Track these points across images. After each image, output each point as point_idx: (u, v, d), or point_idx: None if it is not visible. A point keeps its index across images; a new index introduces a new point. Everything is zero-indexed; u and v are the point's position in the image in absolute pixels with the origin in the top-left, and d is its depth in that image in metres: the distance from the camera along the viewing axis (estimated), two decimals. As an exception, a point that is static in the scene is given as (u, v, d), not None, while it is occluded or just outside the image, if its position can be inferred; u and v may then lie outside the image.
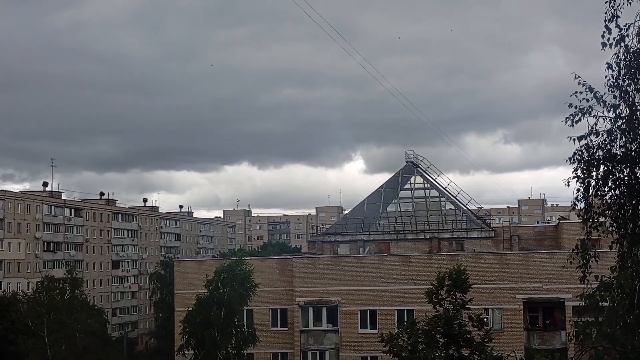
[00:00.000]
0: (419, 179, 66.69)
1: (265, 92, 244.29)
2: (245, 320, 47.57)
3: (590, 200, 11.40)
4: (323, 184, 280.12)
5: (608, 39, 10.86)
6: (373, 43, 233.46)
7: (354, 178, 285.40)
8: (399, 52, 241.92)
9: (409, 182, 66.87)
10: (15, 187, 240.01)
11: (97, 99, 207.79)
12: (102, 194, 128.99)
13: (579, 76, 11.32)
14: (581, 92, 11.24)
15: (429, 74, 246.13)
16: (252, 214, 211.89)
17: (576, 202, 11.53)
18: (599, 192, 11.27)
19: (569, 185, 11.32)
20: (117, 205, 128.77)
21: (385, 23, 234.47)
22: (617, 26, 10.83)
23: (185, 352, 42.40)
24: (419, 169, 67.10)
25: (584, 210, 11.55)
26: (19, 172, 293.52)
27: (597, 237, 11.78)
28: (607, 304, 11.20)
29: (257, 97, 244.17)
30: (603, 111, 11.19)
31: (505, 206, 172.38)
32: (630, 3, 10.83)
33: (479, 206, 70.69)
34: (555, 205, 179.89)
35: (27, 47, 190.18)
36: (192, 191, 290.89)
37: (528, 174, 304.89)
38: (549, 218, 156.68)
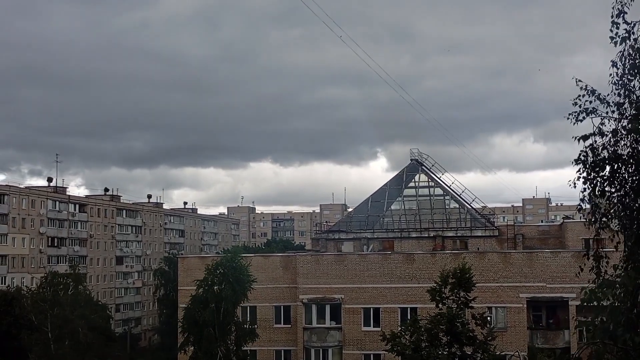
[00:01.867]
0: (423, 177, 66.61)
1: (308, 92, 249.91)
2: (248, 317, 47.58)
3: (596, 201, 11.36)
4: (344, 182, 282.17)
5: (616, 34, 10.83)
6: (426, 44, 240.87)
7: (376, 176, 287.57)
8: (449, 52, 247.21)
9: (413, 180, 66.80)
10: (40, 183, 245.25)
11: (145, 96, 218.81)
12: (106, 189, 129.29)
13: (580, 80, 11.32)
14: (583, 96, 11.25)
15: (473, 74, 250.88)
16: (257, 211, 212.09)
17: (582, 203, 11.50)
18: (604, 193, 11.24)
19: (575, 186, 11.31)
20: (122, 201, 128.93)
21: (442, 25, 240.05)
22: (625, 21, 10.79)
23: (186, 349, 42.39)
24: (423, 167, 67.01)
25: (590, 211, 11.52)
26: (47, 168, 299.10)
27: (601, 238, 11.76)
28: (609, 302, 11.18)
29: (298, 96, 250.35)
30: (607, 112, 11.17)
31: (509, 205, 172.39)
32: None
33: (483, 205, 70.63)
34: (559, 204, 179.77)
35: (93, 46, 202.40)
36: (216, 188, 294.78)
37: (551, 173, 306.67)
38: (553, 217, 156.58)
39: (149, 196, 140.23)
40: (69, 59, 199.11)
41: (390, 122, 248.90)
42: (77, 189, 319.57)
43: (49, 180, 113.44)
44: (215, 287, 42.17)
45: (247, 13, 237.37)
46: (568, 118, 11.31)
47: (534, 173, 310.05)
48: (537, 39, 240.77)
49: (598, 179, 11.16)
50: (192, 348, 42.35)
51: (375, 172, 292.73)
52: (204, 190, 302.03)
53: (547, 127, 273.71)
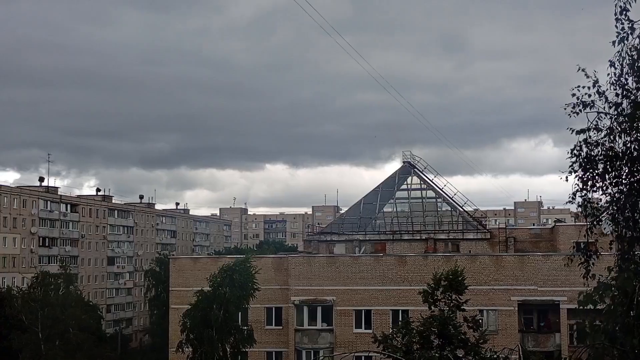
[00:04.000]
0: (415, 180, 66.66)
1: (344, 97, 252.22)
2: (240, 319, 47.51)
3: (589, 196, 11.35)
4: (358, 184, 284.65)
5: (622, 29, 10.82)
6: (471, 51, 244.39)
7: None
8: (492, 59, 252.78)
9: (405, 182, 66.84)
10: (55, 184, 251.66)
11: (184, 99, 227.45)
12: (98, 189, 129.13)
13: (584, 69, 11.30)
14: (583, 87, 11.23)
15: (509, 80, 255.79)
16: (249, 212, 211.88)
17: (573, 197, 11.46)
18: (597, 189, 11.23)
19: (567, 180, 11.29)
20: (114, 201, 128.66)
21: (491, 33, 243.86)
22: (628, 19, 10.79)
23: (184, 349, 42.23)
24: (415, 169, 67.08)
25: (582, 205, 11.49)
26: (69, 168, 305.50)
27: (595, 240, 11.74)
28: (606, 305, 11.17)
29: (333, 101, 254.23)
30: (605, 107, 11.17)
31: (501, 208, 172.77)
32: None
33: (475, 208, 70.77)
34: (551, 207, 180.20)
35: (150, 50, 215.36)
36: (231, 189, 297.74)
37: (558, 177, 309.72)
38: (544, 220, 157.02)
39: (141, 196, 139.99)
40: (123, 63, 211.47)
41: (414, 126, 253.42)
42: (89, 189, 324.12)
43: (41, 179, 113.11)
44: (221, 289, 42.12)
45: (299, 23, 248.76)
46: (565, 108, 11.32)
47: (547, 177, 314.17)
48: (578, 48, 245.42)
49: (589, 174, 11.16)
50: (191, 349, 42.18)
51: (388, 174, 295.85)
52: (218, 191, 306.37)
53: (567, 132, 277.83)
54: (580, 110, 11.17)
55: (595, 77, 11.21)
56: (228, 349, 42.56)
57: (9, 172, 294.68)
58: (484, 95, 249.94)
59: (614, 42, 10.91)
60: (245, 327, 44.68)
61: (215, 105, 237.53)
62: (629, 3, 10.72)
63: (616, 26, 10.84)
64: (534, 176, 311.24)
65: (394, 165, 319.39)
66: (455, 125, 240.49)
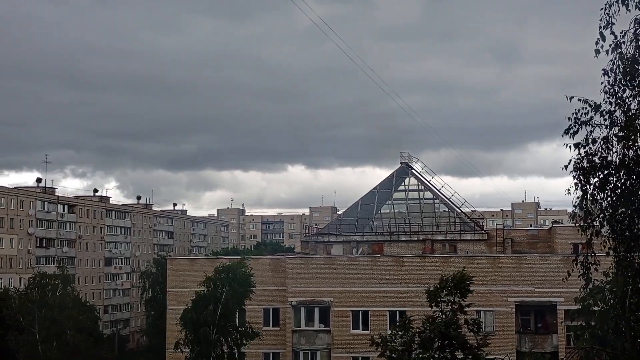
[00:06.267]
0: (413, 181, 66.71)
1: (383, 101, 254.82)
2: (237, 319, 47.54)
3: (588, 207, 11.43)
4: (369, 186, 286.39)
5: (602, 46, 10.93)
6: (518, 57, 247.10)
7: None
8: (534, 63, 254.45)
9: (403, 183, 66.91)
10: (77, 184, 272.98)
11: (228, 102, 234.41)
12: (95, 190, 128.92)
13: (572, 97, 11.51)
14: (579, 110, 11.38)
15: (549, 85, 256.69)
16: (246, 213, 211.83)
17: (575, 209, 11.58)
18: (595, 199, 11.31)
19: (569, 192, 11.38)
20: (111, 202, 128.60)
21: (541, 39, 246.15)
22: (612, 33, 10.88)
23: (182, 349, 42.27)
24: (413, 170, 67.13)
25: (582, 217, 11.58)
26: (95, 169, 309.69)
27: (591, 242, 11.79)
28: (599, 308, 11.23)
29: (373, 106, 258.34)
30: (600, 120, 11.26)
31: (499, 209, 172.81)
32: (628, 9, 10.85)
33: (473, 209, 70.83)
34: (548, 209, 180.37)
35: (208, 55, 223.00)
36: (251, 190, 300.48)
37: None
38: (542, 222, 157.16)
39: (139, 197, 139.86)
40: (180, 67, 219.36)
41: (448, 129, 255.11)
42: (108, 191, 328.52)
43: (38, 180, 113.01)
44: (219, 289, 42.28)
45: (356, 30, 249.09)
46: (563, 136, 11.45)
47: (564, 179, 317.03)
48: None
49: (588, 185, 11.24)
50: (188, 349, 42.24)
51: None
52: (239, 192, 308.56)
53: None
54: (577, 130, 11.30)
55: (594, 102, 11.34)
56: (225, 349, 42.66)
57: (34, 172, 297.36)
58: (522, 99, 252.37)
59: (607, 52, 11.01)
60: (244, 327, 44.83)
61: (253, 108, 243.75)
62: (614, 17, 10.83)
63: (597, 42, 10.94)
64: (551, 178, 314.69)
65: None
66: (491, 128, 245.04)
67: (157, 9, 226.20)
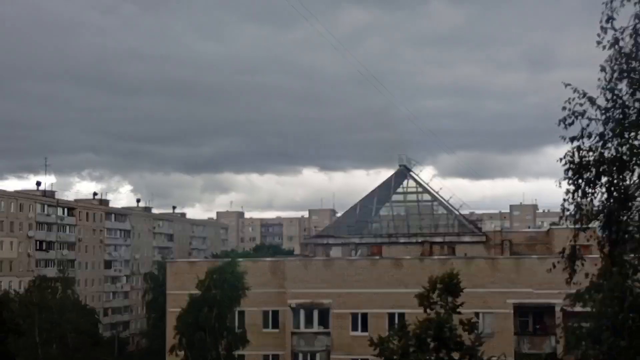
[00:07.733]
0: (411, 183, 66.87)
1: (408, 104, 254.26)
2: (237, 322, 47.68)
3: (579, 202, 11.48)
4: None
5: (603, 39, 10.99)
6: (549, 61, 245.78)
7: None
8: (565, 68, 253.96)
9: (401, 186, 67.04)
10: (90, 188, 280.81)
11: (257, 106, 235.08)
12: (95, 194, 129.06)
13: (569, 84, 11.46)
14: (573, 99, 11.38)
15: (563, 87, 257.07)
16: (245, 216, 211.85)
17: (565, 204, 11.62)
18: (587, 195, 11.37)
19: (560, 186, 11.43)
20: (110, 205, 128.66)
21: (575, 44, 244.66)
22: (613, 28, 10.95)
23: (177, 352, 42.43)
24: (411, 172, 67.30)
25: (573, 211, 11.63)
26: (112, 173, 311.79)
27: (587, 244, 11.89)
28: (594, 306, 11.31)
29: (396, 109, 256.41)
30: (596, 114, 11.32)
31: (497, 211, 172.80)
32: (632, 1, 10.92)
33: (471, 211, 71.01)
34: (546, 210, 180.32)
35: (248, 61, 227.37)
36: (262, 193, 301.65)
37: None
38: (540, 223, 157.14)
39: (138, 200, 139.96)
40: (215, 72, 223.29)
41: (469, 132, 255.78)
42: (119, 194, 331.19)
43: (38, 184, 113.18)
44: (213, 291, 42.41)
45: (390, 36, 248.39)
46: (559, 125, 11.45)
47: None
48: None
49: (581, 180, 11.30)
50: (184, 352, 42.38)
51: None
52: (252, 195, 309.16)
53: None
54: (572, 122, 11.33)
55: (583, 91, 11.40)
56: (221, 351, 42.75)
57: (51, 176, 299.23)
58: (549, 104, 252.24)
59: (604, 47, 11.05)
60: (239, 330, 44.91)
61: (280, 112, 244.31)
62: (616, 11, 10.91)
63: (598, 35, 11.01)
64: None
65: (427, 170, 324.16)
66: (512, 131, 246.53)
67: (202, 16, 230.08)
